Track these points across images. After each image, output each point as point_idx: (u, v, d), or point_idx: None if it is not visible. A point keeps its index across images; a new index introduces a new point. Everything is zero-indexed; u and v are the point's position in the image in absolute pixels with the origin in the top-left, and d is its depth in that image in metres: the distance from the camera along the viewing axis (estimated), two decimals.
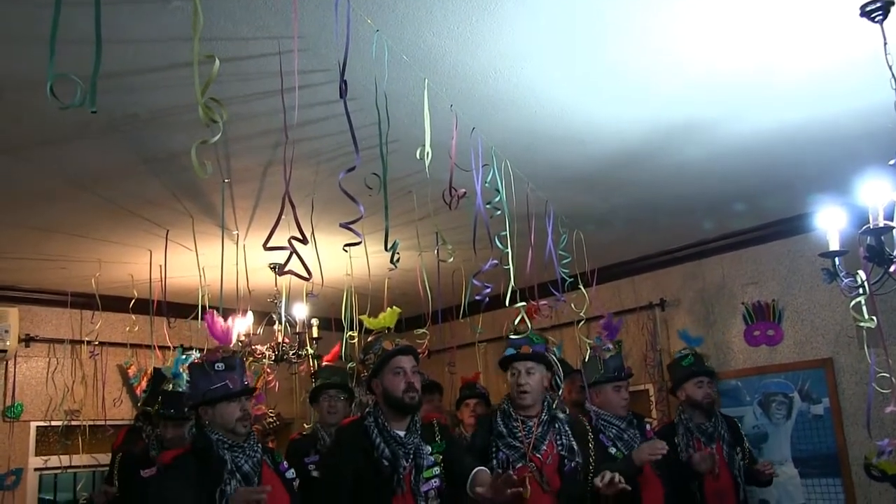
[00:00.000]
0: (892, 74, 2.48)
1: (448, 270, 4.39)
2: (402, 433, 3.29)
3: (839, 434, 4.69)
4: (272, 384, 5.15)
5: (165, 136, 3.27)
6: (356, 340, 4.31)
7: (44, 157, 3.44)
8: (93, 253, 4.81)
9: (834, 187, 4.08)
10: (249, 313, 4.80)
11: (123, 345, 5.72)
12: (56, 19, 1.64)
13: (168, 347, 5.33)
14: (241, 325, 4.79)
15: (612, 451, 4.10)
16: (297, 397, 6.06)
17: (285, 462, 3.30)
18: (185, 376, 4.28)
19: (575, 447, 3.79)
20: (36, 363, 5.51)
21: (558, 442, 3.76)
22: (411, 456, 3.25)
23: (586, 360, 4.34)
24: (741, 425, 4.76)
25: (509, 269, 3.05)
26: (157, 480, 3.15)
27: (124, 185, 3.82)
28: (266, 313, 5.12)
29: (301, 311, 5.14)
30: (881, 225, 2.44)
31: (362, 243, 2.30)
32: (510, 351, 3.85)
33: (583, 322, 4.23)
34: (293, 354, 4.99)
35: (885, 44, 2.49)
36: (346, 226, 2.15)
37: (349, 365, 4.71)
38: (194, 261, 4.53)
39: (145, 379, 5.03)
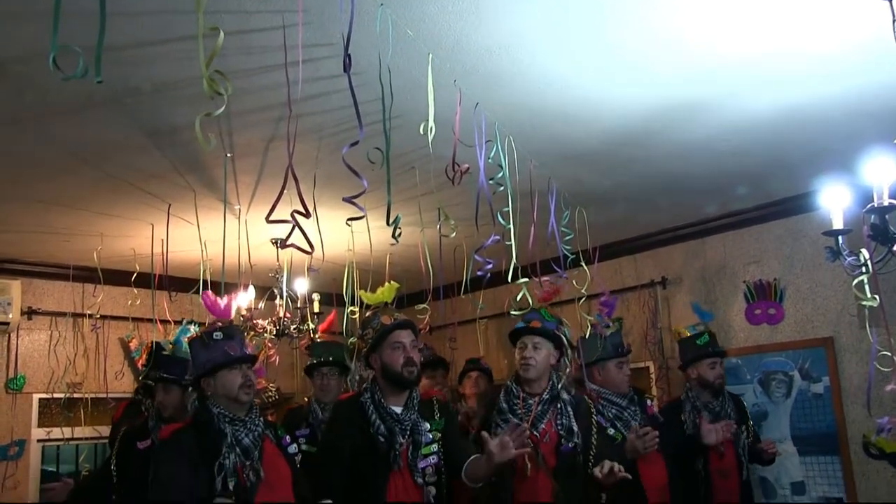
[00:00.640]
0: None
1: (450, 247, 4.39)
2: (399, 409, 3.28)
3: (838, 412, 4.71)
4: (273, 358, 5.17)
5: (168, 109, 3.26)
6: (357, 316, 4.31)
7: (46, 131, 3.43)
8: (95, 226, 4.81)
9: (838, 167, 4.06)
10: (251, 288, 4.80)
11: (125, 318, 5.73)
12: None
13: (169, 322, 5.35)
14: (242, 300, 4.80)
15: (611, 431, 4.08)
16: (297, 372, 6.08)
17: (287, 437, 3.29)
18: (185, 346, 4.31)
19: (575, 428, 3.75)
20: (38, 336, 5.52)
21: (558, 422, 3.73)
22: (408, 432, 3.25)
23: (586, 337, 4.34)
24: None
25: (511, 245, 3.05)
26: (153, 457, 3.16)
27: (126, 159, 3.81)
28: (267, 288, 5.12)
29: (302, 285, 5.14)
30: (886, 203, 2.43)
31: (365, 218, 2.29)
32: (520, 324, 3.85)
33: (584, 299, 4.22)
34: (294, 329, 5.00)
35: (894, 21, 2.46)
36: (349, 200, 2.15)
37: (350, 340, 4.72)
38: (196, 235, 4.53)
39: (146, 353, 5.03)
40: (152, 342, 4.81)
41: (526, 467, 3.57)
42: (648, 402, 4.44)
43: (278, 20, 2.56)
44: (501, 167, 3.19)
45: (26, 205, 4.38)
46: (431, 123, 2.68)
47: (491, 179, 3.10)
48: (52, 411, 5.53)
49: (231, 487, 2.87)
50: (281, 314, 4.96)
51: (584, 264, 4.06)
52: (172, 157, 3.81)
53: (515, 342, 3.85)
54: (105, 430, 5.32)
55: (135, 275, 5.12)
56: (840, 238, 2.72)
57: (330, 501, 3.18)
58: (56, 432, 5.46)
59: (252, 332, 4.89)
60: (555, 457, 3.66)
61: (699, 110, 3.54)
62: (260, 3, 2.49)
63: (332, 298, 5.44)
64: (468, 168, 2.82)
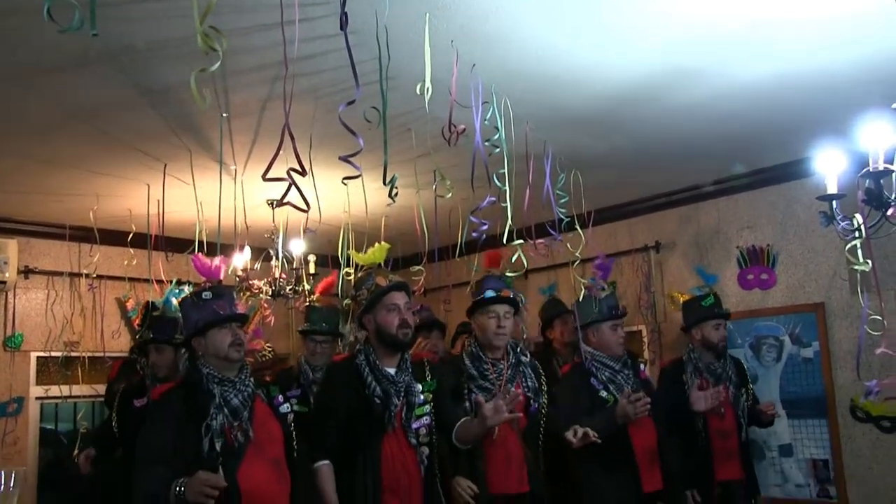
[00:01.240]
0: None
1: (445, 210, 4.40)
2: (392, 371, 3.31)
3: (827, 377, 4.77)
4: (268, 319, 5.20)
5: (163, 68, 3.24)
6: (352, 277, 4.33)
7: (41, 88, 3.41)
8: (90, 186, 4.81)
9: (833, 133, 4.07)
10: (247, 249, 4.81)
11: (122, 278, 5.74)
12: None
13: (166, 282, 5.37)
14: (238, 261, 4.81)
15: (603, 394, 4.14)
16: (292, 333, 6.11)
17: (280, 397, 3.28)
18: (174, 306, 4.35)
19: (538, 388, 3.88)
20: (35, 295, 5.54)
21: (524, 384, 3.84)
22: (402, 394, 3.28)
23: (580, 300, 4.37)
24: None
25: (507, 207, 3.06)
26: (144, 420, 3.19)
27: (122, 118, 3.80)
28: (263, 249, 5.14)
29: (298, 247, 5.15)
30: (881, 168, 2.45)
31: (360, 177, 2.30)
32: (490, 293, 3.87)
33: (578, 262, 4.24)
34: (290, 290, 5.02)
35: None
36: (345, 159, 2.15)
37: (345, 302, 4.74)
38: (192, 196, 4.53)
39: (142, 312, 5.05)
40: (148, 302, 4.86)
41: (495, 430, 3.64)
42: (642, 366, 4.48)
43: None
44: (497, 129, 3.18)
45: (21, 163, 4.37)
46: (428, 84, 2.68)
47: (487, 141, 3.10)
48: (49, 370, 5.57)
49: (218, 448, 2.88)
50: (277, 275, 4.97)
51: (578, 228, 4.07)
52: (168, 117, 3.79)
53: (477, 310, 3.87)
54: (102, 389, 5.37)
55: (131, 235, 5.12)
56: (834, 203, 2.74)
57: (327, 461, 3.22)
58: (54, 390, 5.50)
59: (248, 293, 4.92)
60: (525, 417, 3.77)
61: (693, 77, 3.53)
62: None
63: (328, 260, 5.46)
64: (464, 129, 2.82)
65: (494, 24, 2.94)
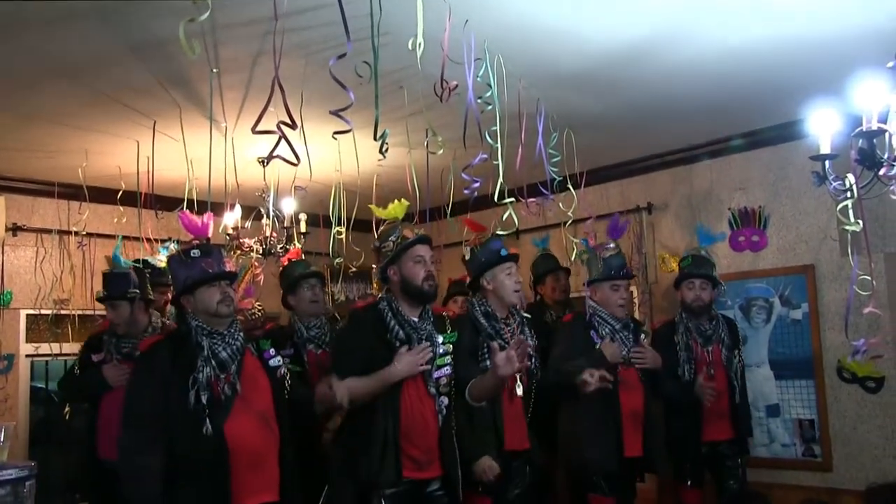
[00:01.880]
0: None
1: (437, 169, 4.38)
2: (415, 319, 3.34)
3: (815, 338, 4.81)
4: (259, 278, 5.19)
5: (152, 21, 3.19)
6: (343, 236, 4.32)
7: (27, 41, 3.35)
8: (79, 142, 4.76)
9: (827, 94, 4.04)
10: (237, 207, 4.79)
11: (111, 236, 5.70)
12: None
13: (156, 240, 5.34)
14: (228, 219, 4.79)
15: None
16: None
17: (272, 350, 3.29)
18: (124, 261, 4.39)
19: (535, 347, 3.94)
20: (24, 252, 5.51)
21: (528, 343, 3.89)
22: (423, 340, 3.30)
23: (571, 259, 4.40)
24: None
25: (498, 164, 3.04)
26: (132, 372, 3.22)
27: (110, 73, 3.75)
28: (254, 208, 5.11)
29: (289, 205, 5.13)
30: (874, 128, 2.44)
31: (351, 132, 2.28)
32: (504, 251, 3.89)
33: (570, 222, 4.24)
34: (280, 249, 5.01)
35: None
36: (335, 113, 2.13)
37: (336, 260, 4.74)
38: (182, 154, 4.49)
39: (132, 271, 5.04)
40: (141, 260, 4.84)
41: (515, 389, 3.71)
42: (642, 335, 4.50)
43: None
44: (490, 86, 3.16)
45: (8, 118, 4.32)
46: (420, 39, 2.65)
47: (479, 98, 3.07)
48: (39, 327, 5.56)
49: (204, 401, 2.91)
50: (267, 234, 4.95)
51: (571, 188, 4.06)
52: (157, 72, 3.74)
53: (487, 269, 3.88)
54: None
55: (120, 192, 5.09)
56: (827, 163, 2.73)
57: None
58: (44, 348, 5.49)
59: (238, 251, 4.90)
60: (526, 375, 3.82)
61: (687, 37, 3.51)
62: None
63: (319, 220, 5.44)
64: (456, 85, 2.79)
65: None
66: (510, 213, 3.15)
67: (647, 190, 5.70)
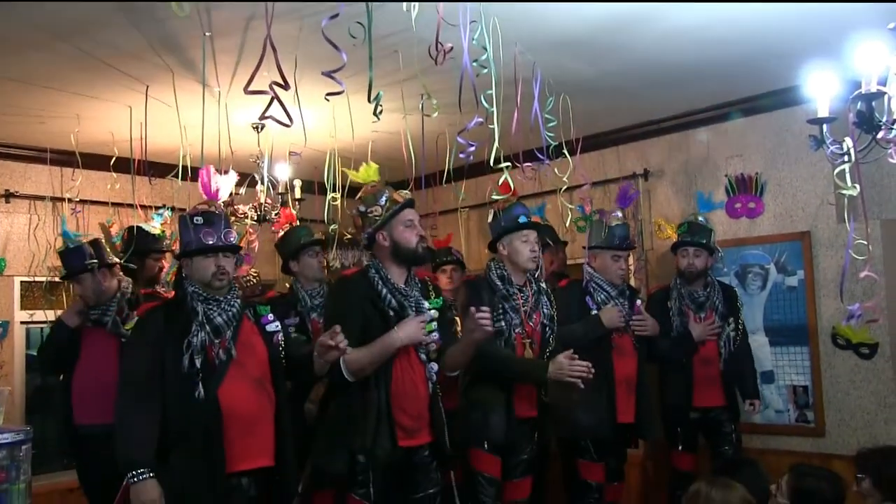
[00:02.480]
0: None
1: (432, 135, 4.35)
2: (402, 285, 3.33)
3: (810, 305, 4.82)
4: (254, 244, 5.17)
5: None
6: (338, 203, 4.30)
7: (14, 4, 3.29)
8: (71, 108, 4.71)
9: (825, 58, 4.02)
10: (232, 173, 4.75)
11: (105, 203, 5.68)
12: None
13: (150, 206, 5.32)
14: (226, 184, 4.77)
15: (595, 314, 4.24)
16: (278, 258, 6.10)
17: (270, 315, 3.28)
18: (73, 234, 4.40)
19: (552, 316, 3.94)
20: (17, 219, 5.48)
21: (543, 312, 3.90)
22: (413, 308, 3.29)
23: (593, 222, 4.42)
24: None
25: (494, 129, 3.02)
26: (129, 337, 3.23)
27: (101, 36, 3.69)
28: (248, 174, 5.08)
29: (284, 171, 5.10)
30: (873, 90, 2.42)
31: (344, 93, 2.25)
32: (524, 219, 3.89)
33: (565, 188, 4.23)
34: (275, 215, 4.99)
35: None
36: (328, 74, 2.11)
37: (331, 227, 4.72)
38: (175, 119, 4.44)
39: (127, 237, 5.02)
40: (132, 227, 4.83)
41: (526, 355, 3.74)
42: (638, 301, 4.52)
43: None
44: (486, 49, 3.12)
45: None
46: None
47: (475, 62, 3.04)
48: (34, 294, 5.54)
49: (198, 365, 2.92)
50: (262, 200, 4.93)
51: (567, 153, 4.04)
52: (149, 35, 3.69)
53: (505, 235, 3.86)
54: None
55: (114, 159, 5.05)
56: (824, 127, 2.71)
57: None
58: (39, 315, 5.48)
59: (233, 218, 4.88)
60: (539, 345, 3.83)
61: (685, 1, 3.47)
62: None
63: (314, 186, 5.41)
64: (451, 48, 2.76)
65: None
66: (506, 178, 3.13)
67: (644, 156, 5.67)
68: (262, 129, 4.95)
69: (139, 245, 4.71)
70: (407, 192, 3.44)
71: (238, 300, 3.15)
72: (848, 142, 2.63)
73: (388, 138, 4.85)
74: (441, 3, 2.86)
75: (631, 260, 5.41)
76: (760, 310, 5.03)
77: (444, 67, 3.02)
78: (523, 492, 3.91)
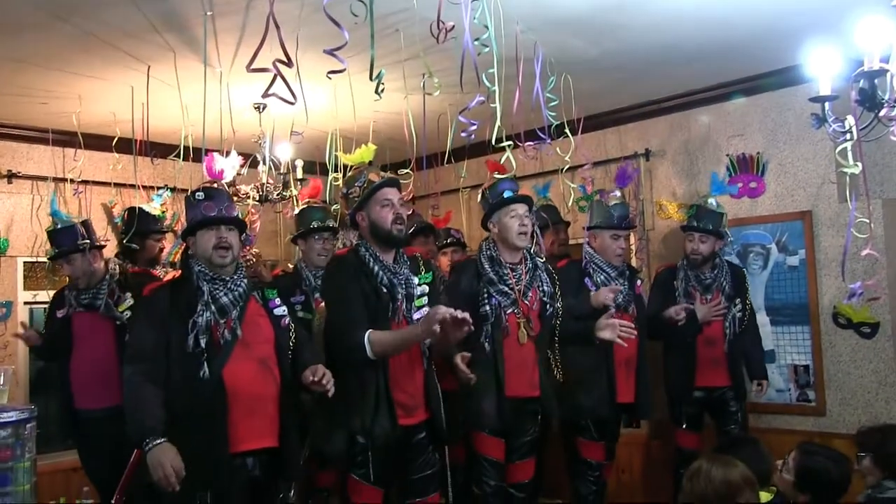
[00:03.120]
0: None
1: (434, 115, 4.35)
2: (391, 263, 3.32)
3: (811, 284, 4.83)
4: (255, 224, 5.18)
5: None
6: (340, 183, 4.31)
7: None
8: (72, 88, 4.70)
9: (827, 37, 4.00)
10: (233, 153, 4.76)
11: (107, 184, 5.68)
12: None
13: (152, 187, 5.32)
14: (231, 165, 4.77)
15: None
16: (280, 239, 6.10)
17: (277, 299, 3.26)
18: (64, 215, 4.43)
19: (555, 293, 3.92)
20: (20, 200, 5.48)
21: (540, 288, 3.87)
22: (403, 285, 3.30)
23: (592, 202, 4.41)
24: None
25: (496, 107, 3.02)
26: (133, 315, 3.23)
27: (103, 16, 3.68)
28: (250, 154, 5.08)
29: (285, 152, 5.10)
30: (876, 68, 2.41)
31: (346, 72, 2.25)
32: (509, 193, 3.84)
33: (567, 168, 4.22)
34: (277, 195, 4.99)
35: None
36: (330, 52, 2.11)
37: (334, 207, 4.73)
38: (177, 99, 4.44)
39: (128, 218, 5.03)
40: (133, 207, 4.84)
41: (520, 335, 3.72)
42: (638, 281, 4.53)
43: None
44: (487, 27, 3.11)
45: None
46: None
47: (476, 40, 3.03)
48: (37, 275, 5.55)
49: (203, 344, 2.92)
50: (264, 180, 4.93)
51: (568, 133, 4.04)
52: (150, 15, 3.68)
53: (495, 211, 3.85)
54: None
55: (116, 139, 5.05)
56: (826, 105, 2.71)
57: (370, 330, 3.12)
58: (42, 295, 5.49)
59: (235, 198, 4.88)
60: (539, 322, 3.82)
61: None
62: None
63: (316, 167, 5.42)
64: (453, 26, 2.75)
65: None
66: (508, 157, 3.13)
67: (645, 136, 5.66)
68: (263, 109, 4.94)
69: (140, 226, 4.73)
70: (387, 172, 3.41)
71: (244, 280, 3.15)
72: (850, 120, 2.62)
73: (389, 118, 4.84)
74: None
75: (632, 239, 5.42)
76: (762, 289, 5.04)
77: (446, 46, 3.02)
78: (526, 473, 3.91)
